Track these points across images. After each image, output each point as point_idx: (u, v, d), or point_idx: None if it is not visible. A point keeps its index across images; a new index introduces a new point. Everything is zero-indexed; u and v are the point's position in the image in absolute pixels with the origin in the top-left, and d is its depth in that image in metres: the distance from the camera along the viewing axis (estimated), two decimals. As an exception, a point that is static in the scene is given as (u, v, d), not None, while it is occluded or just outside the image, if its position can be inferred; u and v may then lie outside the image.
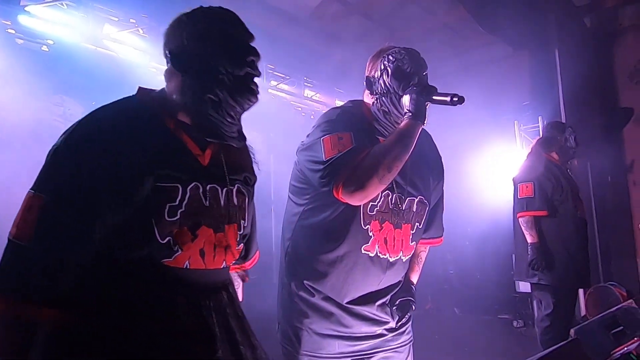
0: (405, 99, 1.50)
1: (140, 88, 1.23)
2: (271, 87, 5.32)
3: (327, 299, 1.57)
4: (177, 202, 1.08)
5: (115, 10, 4.00)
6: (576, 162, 3.53)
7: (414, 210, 1.63)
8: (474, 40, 6.24)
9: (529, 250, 3.19)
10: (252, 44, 1.19)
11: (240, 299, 1.39)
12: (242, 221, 1.25)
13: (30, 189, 1.04)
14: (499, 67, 6.50)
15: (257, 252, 1.52)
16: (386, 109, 1.57)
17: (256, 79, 1.19)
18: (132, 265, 1.05)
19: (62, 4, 3.74)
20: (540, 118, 5.44)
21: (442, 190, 1.81)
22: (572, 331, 3.21)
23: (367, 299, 1.59)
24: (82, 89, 3.71)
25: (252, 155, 1.40)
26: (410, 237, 1.63)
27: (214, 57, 1.13)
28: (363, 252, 1.55)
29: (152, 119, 1.15)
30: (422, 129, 1.71)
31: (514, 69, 6.31)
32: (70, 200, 1.03)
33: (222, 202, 1.17)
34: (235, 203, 1.22)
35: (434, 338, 4.79)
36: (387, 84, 1.56)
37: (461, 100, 1.42)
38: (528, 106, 5.56)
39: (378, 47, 1.68)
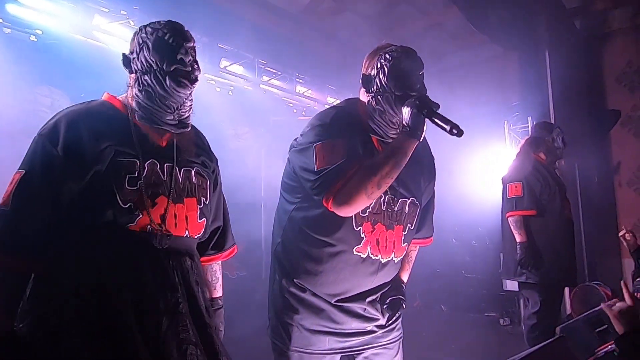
0: (406, 112, 1.45)
1: (106, 93, 1.48)
2: (263, 83, 5.29)
3: (318, 295, 1.57)
4: (136, 174, 1.32)
5: (106, 1, 3.94)
6: (563, 162, 3.56)
7: (406, 211, 1.63)
8: (465, 40, 6.27)
9: (518, 249, 3.22)
10: (190, 45, 1.42)
11: (219, 293, 1.62)
12: (202, 198, 1.46)
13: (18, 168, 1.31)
14: (489, 67, 6.54)
15: (235, 246, 1.70)
16: (381, 108, 1.56)
17: (195, 74, 1.41)
18: (102, 229, 1.27)
19: (51, -6, 3.68)
20: (529, 118, 5.48)
21: (433, 190, 1.81)
22: (557, 329, 3.26)
23: (358, 296, 1.59)
24: (70, 80, 3.65)
25: (206, 141, 1.64)
26: (402, 238, 1.63)
27: (150, 58, 1.38)
28: (355, 253, 1.55)
29: (116, 113, 1.41)
30: None
31: (504, 69, 6.35)
32: (42, 171, 1.28)
33: (180, 179, 1.40)
34: (194, 181, 1.45)
35: (422, 335, 4.82)
36: (383, 82, 1.55)
37: (460, 133, 1.37)
38: (518, 106, 5.61)
39: (370, 44, 1.67)
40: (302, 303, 1.57)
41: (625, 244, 3.05)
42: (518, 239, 3.24)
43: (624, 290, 1.71)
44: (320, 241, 1.55)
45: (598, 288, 4.66)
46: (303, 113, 5.57)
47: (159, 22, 1.44)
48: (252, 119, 5.11)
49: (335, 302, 1.57)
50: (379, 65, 1.57)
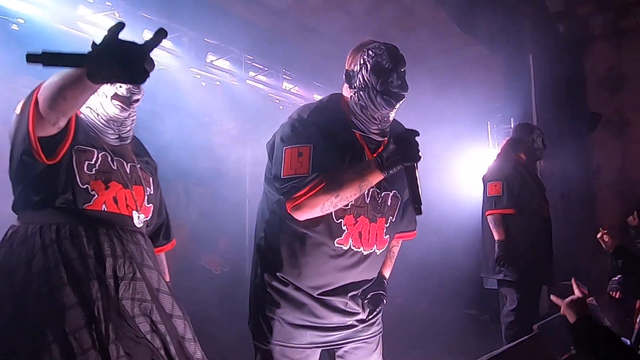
0: (390, 146, 1.47)
1: None
2: (249, 78, 5.27)
3: (300, 289, 1.58)
4: (93, 161, 1.55)
5: (91, -9, 3.89)
6: (542, 162, 3.63)
7: (389, 204, 1.66)
8: (451, 41, 6.33)
9: (496, 247, 3.28)
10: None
11: (168, 279, 1.82)
12: (147, 188, 1.72)
13: None
14: (474, 68, 6.61)
15: (174, 240, 2.00)
16: (364, 104, 1.58)
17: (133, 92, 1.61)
18: (64, 207, 1.48)
19: (35, -18, 3.62)
20: (512, 119, 5.57)
21: None
22: (535, 326, 3.33)
23: (340, 290, 1.61)
24: (53, 71, 3.60)
25: (145, 149, 1.88)
26: (385, 230, 1.66)
27: None
28: (336, 245, 1.57)
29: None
30: (399, 122, 1.75)
31: (489, 70, 6.43)
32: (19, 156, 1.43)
33: (127, 170, 1.65)
34: (140, 175, 1.70)
35: (403, 331, 4.87)
36: (365, 78, 1.57)
37: (418, 211, 1.47)
38: (501, 107, 5.68)
39: (357, 42, 1.69)
40: (284, 297, 1.59)
41: (603, 245, 3.12)
42: (496, 237, 3.29)
43: (574, 285, 1.79)
44: (302, 233, 1.56)
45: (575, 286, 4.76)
46: (289, 109, 5.57)
47: None
48: (238, 114, 5.08)
49: (318, 295, 1.58)
50: (361, 62, 1.59)
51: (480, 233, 3.59)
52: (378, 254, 1.67)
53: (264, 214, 1.68)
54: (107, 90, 1.58)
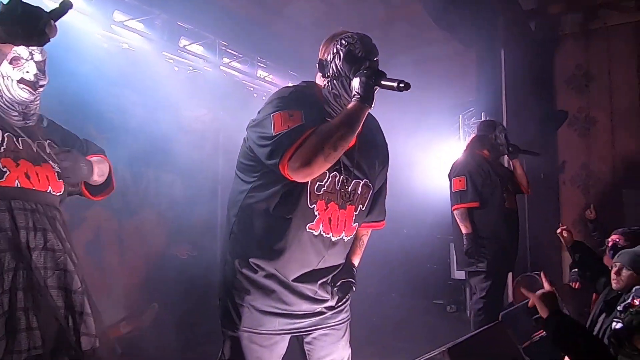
0: (355, 82, 1.51)
1: None
2: (223, 65, 5.19)
3: (270, 276, 1.58)
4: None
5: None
6: (507, 157, 3.76)
7: (359, 192, 1.67)
8: (427, 35, 6.38)
9: (464, 240, 3.39)
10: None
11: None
12: (54, 164, 1.79)
13: None
14: (448, 63, 6.70)
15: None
16: (337, 92, 1.60)
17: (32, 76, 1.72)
18: None
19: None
20: (483, 114, 5.67)
21: (386, 176, 1.86)
22: (500, 315, 3.43)
23: (309, 277, 1.62)
24: None
25: (61, 130, 1.96)
26: (354, 218, 1.67)
27: None
28: (308, 230, 1.58)
29: None
30: (371, 114, 1.76)
31: (462, 65, 6.52)
32: None
33: (34, 149, 1.76)
34: (47, 151, 1.81)
35: (372, 320, 4.95)
36: (338, 67, 1.59)
37: (407, 86, 1.45)
38: (473, 102, 5.79)
39: (333, 32, 1.69)
40: (254, 284, 1.59)
41: (562, 240, 3.25)
42: (463, 230, 3.42)
43: (543, 278, 1.84)
44: (277, 219, 1.56)
45: (538, 278, 4.94)
46: (263, 98, 5.52)
47: None
48: (211, 101, 5.00)
49: (288, 282, 1.59)
50: (335, 51, 1.61)
51: (448, 226, 3.70)
52: (346, 240, 1.69)
53: (236, 200, 1.67)
54: (13, 74, 1.70)
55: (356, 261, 1.82)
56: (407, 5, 5.80)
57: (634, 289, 2.33)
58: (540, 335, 3.29)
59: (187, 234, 4.76)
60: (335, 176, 1.60)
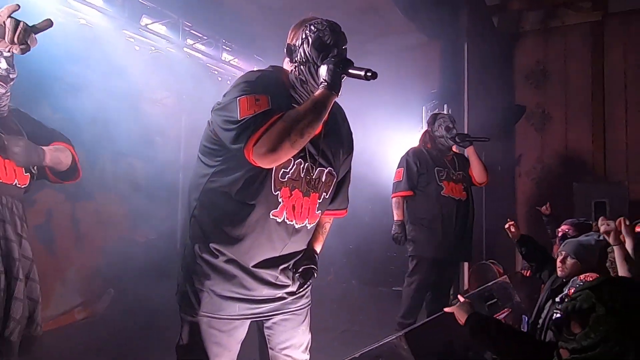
0: (323, 69, 1.51)
1: None
2: (187, 46, 5.05)
3: (231, 261, 1.57)
4: None
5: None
6: (455, 148, 3.82)
7: (323, 180, 1.68)
8: (394, 26, 6.42)
9: (393, 226, 3.68)
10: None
11: None
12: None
13: None
14: (413, 54, 6.78)
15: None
16: (304, 78, 1.59)
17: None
18: None
19: None
20: (445, 106, 5.79)
21: (350, 164, 1.87)
22: (454, 301, 3.53)
23: (271, 263, 1.62)
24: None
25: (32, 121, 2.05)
26: (317, 205, 1.68)
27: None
28: (271, 217, 1.57)
29: None
30: (337, 103, 1.76)
31: (426, 57, 6.62)
32: None
33: (4, 142, 1.79)
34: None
35: (332, 307, 5.02)
36: (306, 53, 1.58)
37: (374, 75, 1.46)
38: (436, 94, 5.88)
39: (299, 18, 1.68)
40: (214, 269, 1.57)
41: (510, 234, 3.39)
42: (395, 217, 3.68)
43: (458, 297, 1.97)
44: (239, 205, 1.55)
45: (492, 266, 5.14)
46: (228, 82, 5.42)
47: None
48: (174, 83, 4.87)
49: (249, 268, 1.58)
50: (303, 36, 1.60)
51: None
52: (309, 228, 1.70)
53: (198, 184, 1.64)
54: None
55: (318, 248, 1.84)
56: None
57: (571, 280, 2.46)
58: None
59: (146, 218, 4.66)
60: (300, 163, 1.59)
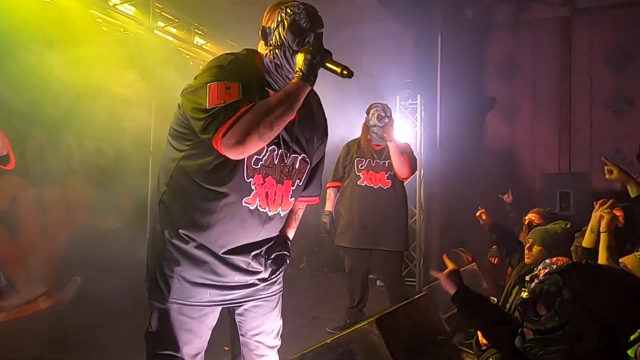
0: (299, 58, 1.48)
1: None
2: (157, 29, 4.91)
3: (202, 247, 1.55)
4: None
5: None
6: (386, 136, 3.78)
7: (297, 167, 1.66)
8: (367, 13, 6.41)
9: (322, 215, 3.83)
10: None
11: None
12: None
13: None
14: (387, 43, 6.80)
15: None
16: (279, 62, 1.55)
17: None
18: None
19: None
20: (419, 96, 5.84)
21: (324, 151, 1.86)
22: (424, 288, 3.60)
23: (243, 249, 1.60)
24: None
25: None
26: (290, 193, 1.66)
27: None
28: (244, 204, 1.55)
29: None
30: (312, 89, 1.74)
31: (401, 46, 6.65)
32: None
33: None
34: None
35: (304, 294, 5.04)
36: (282, 36, 1.54)
37: (350, 74, 1.46)
38: (410, 83, 5.92)
39: (273, 1, 1.64)
40: (185, 255, 1.54)
41: (481, 221, 3.46)
42: (325, 208, 3.83)
43: (445, 260, 1.98)
44: (210, 191, 1.52)
45: (461, 254, 5.25)
46: (200, 67, 5.31)
47: None
48: (143, 66, 4.73)
49: (222, 253, 1.56)
50: (279, 19, 1.55)
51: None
52: (282, 215, 1.68)
53: (168, 169, 1.60)
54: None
55: (291, 234, 1.82)
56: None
57: (542, 262, 2.54)
58: (461, 306, 3.53)
59: (114, 204, 4.54)
60: (274, 150, 1.57)
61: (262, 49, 1.62)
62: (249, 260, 1.62)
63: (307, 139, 1.69)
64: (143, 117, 4.80)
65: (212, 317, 1.63)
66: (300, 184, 1.71)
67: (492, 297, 3.12)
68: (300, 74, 1.47)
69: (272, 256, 1.67)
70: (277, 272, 1.73)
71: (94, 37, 4.13)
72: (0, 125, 1.99)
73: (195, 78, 1.53)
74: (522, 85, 6.53)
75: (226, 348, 1.95)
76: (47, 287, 3.97)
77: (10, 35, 3.40)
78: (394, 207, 3.68)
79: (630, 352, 1.37)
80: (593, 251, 2.37)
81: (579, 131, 6.19)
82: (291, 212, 1.80)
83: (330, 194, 3.83)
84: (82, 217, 4.31)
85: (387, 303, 3.73)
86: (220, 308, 1.65)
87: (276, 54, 1.55)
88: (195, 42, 5.41)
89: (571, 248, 2.63)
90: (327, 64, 1.48)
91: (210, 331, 1.66)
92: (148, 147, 4.86)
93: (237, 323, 1.73)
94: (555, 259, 2.48)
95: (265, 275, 1.68)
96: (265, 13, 1.62)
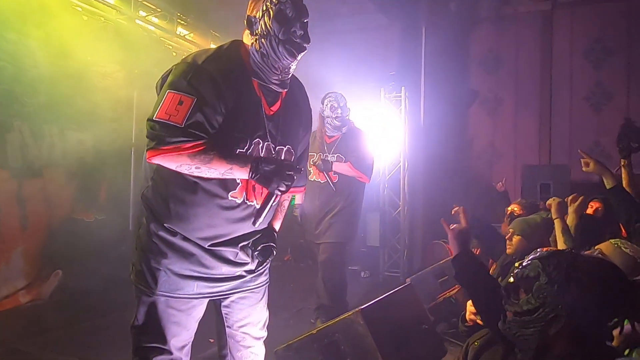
0: (272, 168, 1.50)
1: None
2: (139, 19, 4.82)
3: (189, 239, 1.55)
4: None
5: None
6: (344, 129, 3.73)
7: (282, 158, 1.66)
8: (353, 5, 6.40)
9: None
10: None
11: None
12: None
13: None
14: (373, 35, 6.80)
15: None
16: (264, 51, 1.55)
17: None
18: None
19: None
20: (403, 88, 5.87)
21: (308, 142, 1.87)
22: (408, 279, 3.65)
23: (230, 241, 1.60)
24: None
25: None
26: None
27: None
28: (230, 198, 1.55)
29: None
30: (297, 79, 1.74)
31: (385, 38, 6.66)
32: None
33: None
34: None
35: (289, 287, 5.05)
36: (267, 26, 1.53)
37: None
38: (394, 76, 5.94)
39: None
40: (172, 247, 1.54)
41: (461, 219, 3.48)
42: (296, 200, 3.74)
43: (461, 214, 1.91)
44: (195, 185, 1.52)
45: (444, 245, 5.32)
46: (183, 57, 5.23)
47: None
48: (125, 57, 4.64)
49: (209, 246, 1.56)
50: (264, 8, 1.55)
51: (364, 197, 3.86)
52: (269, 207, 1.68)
53: (152, 163, 1.59)
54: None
55: (277, 225, 1.83)
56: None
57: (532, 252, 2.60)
58: (444, 296, 3.58)
59: (96, 197, 4.48)
60: (259, 143, 1.57)
61: (247, 38, 1.61)
62: (237, 252, 1.62)
63: (292, 129, 1.70)
64: (125, 108, 4.72)
65: (200, 309, 1.64)
66: None
67: None
68: (252, 173, 1.48)
69: (259, 248, 1.67)
70: (264, 264, 1.73)
71: (73, 27, 4.03)
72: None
73: (174, 66, 1.54)
74: (504, 79, 6.60)
75: (211, 340, 1.95)
76: (27, 281, 3.90)
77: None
78: (343, 200, 3.57)
79: (635, 354, 1.42)
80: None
81: (559, 124, 6.29)
82: (277, 204, 1.80)
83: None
84: (63, 210, 4.24)
85: (372, 293, 3.76)
86: (207, 300, 1.65)
87: (262, 43, 1.55)
88: (178, 33, 5.33)
89: (550, 238, 2.69)
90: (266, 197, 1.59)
91: (197, 323, 1.66)
92: (130, 139, 4.79)
93: (224, 315, 1.73)
94: (546, 249, 2.55)
95: (252, 267, 1.68)
96: (250, 2, 1.61)
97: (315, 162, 3.58)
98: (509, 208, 3.63)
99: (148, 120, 1.45)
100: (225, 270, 1.61)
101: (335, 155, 3.57)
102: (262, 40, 1.54)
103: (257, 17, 1.56)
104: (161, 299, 1.55)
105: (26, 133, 3.90)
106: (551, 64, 6.36)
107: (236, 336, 1.75)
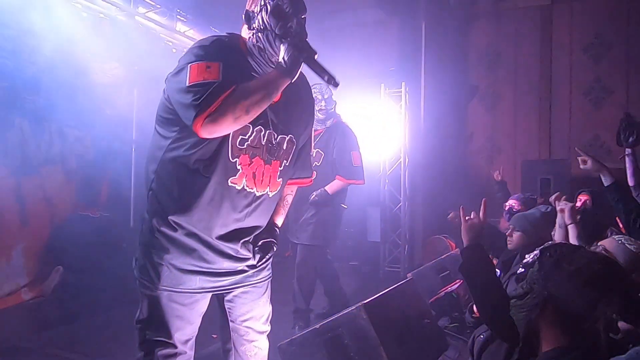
0: (284, 50, 1.49)
1: None
2: (139, 15, 4.81)
3: (191, 234, 1.55)
4: None
5: None
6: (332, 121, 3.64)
7: (284, 147, 1.68)
8: (353, 0, 6.39)
9: None
10: None
11: None
12: None
13: None
14: (372, 31, 6.79)
15: None
16: (262, 46, 1.56)
17: None
18: None
19: None
20: (403, 84, 5.87)
21: (311, 133, 1.87)
22: (409, 274, 3.66)
23: (232, 235, 1.61)
24: None
25: None
26: (278, 173, 1.68)
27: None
28: (230, 184, 1.56)
29: None
30: (301, 72, 1.74)
31: (385, 34, 6.65)
32: None
33: None
34: None
35: (290, 282, 5.06)
36: (265, 20, 1.54)
37: (336, 84, 1.50)
38: (394, 71, 5.94)
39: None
40: (174, 242, 1.55)
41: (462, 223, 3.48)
42: None
43: (482, 208, 1.87)
44: (196, 174, 1.52)
45: (445, 240, 5.34)
46: (183, 54, 5.22)
47: None
48: (124, 53, 4.63)
49: (209, 241, 1.56)
50: (262, 3, 1.56)
51: (357, 191, 3.83)
52: (270, 196, 1.69)
53: (155, 157, 1.59)
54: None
55: (279, 221, 1.84)
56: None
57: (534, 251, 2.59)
58: (445, 291, 3.60)
59: (96, 193, 4.48)
60: (261, 130, 1.58)
61: (245, 33, 1.63)
62: (238, 247, 1.63)
63: (294, 119, 1.71)
64: (125, 105, 4.72)
65: (203, 303, 1.65)
66: (288, 164, 1.72)
67: None
68: (283, 67, 1.47)
69: (259, 243, 1.69)
70: (267, 259, 1.74)
71: (72, 22, 4.02)
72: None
73: (179, 60, 1.54)
74: (504, 74, 6.60)
75: (214, 336, 1.96)
76: (29, 279, 3.91)
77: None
78: (314, 200, 3.47)
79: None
80: None
81: (558, 119, 6.30)
82: (280, 199, 1.81)
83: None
84: (64, 207, 4.24)
85: (373, 288, 3.77)
86: (210, 295, 1.66)
87: (259, 37, 1.56)
88: (177, 29, 5.31)
89: (551, 232, 2.69)
90: (311, 66, 1.49)
91: (201, 317, 1.67)
92: (131, 135, 4.79)
93: (227, 310, 1.74)
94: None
95: (254, 262, 1.69)
96: None
97: (312, 199, 3.45)
98: (507, 203, 3.63)
99: (182, 90, 1.42)
100: (227, 265, 1.62)
101: (315, 151, 3.42)
102: (260, 34, 1.56)
103: (255, 11, 1.57)
104: (164, 293, 1.56)
105: (26, 129, 3.90)
106: (551, 59, 6.35)
107: (240, 330, 1.76)
